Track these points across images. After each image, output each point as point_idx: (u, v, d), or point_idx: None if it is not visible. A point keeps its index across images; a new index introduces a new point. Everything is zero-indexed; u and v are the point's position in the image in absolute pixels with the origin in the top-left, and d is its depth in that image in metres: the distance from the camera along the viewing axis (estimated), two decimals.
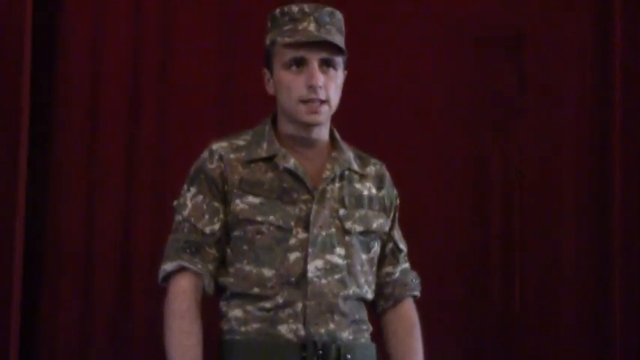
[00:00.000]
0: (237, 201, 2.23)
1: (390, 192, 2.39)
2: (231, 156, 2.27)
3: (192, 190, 2.28)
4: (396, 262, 2.38)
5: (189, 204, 2.27)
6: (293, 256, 2.20)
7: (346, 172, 2.30)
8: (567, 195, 3.66)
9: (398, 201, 2.42)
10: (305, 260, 2.19)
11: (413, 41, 3.68)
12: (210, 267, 2.24)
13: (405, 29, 3.68)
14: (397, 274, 2.38)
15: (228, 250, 2.25)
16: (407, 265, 2.42)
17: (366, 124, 3.55)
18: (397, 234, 2.41)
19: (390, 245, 2.38)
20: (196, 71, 3.60)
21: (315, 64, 2.24)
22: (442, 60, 3.69)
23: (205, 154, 2.30)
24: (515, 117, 3.68)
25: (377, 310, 2.38)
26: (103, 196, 3.54)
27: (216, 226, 2.24)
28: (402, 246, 2.41)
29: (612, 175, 3.62)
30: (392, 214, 2.39)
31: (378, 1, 3.70)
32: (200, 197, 2.26)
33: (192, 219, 2.25)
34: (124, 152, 3.58)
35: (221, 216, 2.25)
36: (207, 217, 2.25)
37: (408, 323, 2.37)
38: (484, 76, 3.69)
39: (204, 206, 2.25)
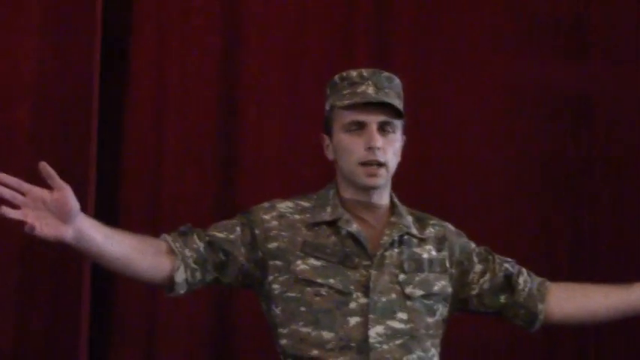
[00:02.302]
0: (299, 262, 2.26)
1: (454, 248, 2.38)
2: (296, 217, 2.32)
3: (234, 218, 2.34)
4: (513, 286, 2.40)
5: (220, 223, 2.33)
6: (353, 320, 2.21)
7: (405, 237, 2.32)
8: None
9: (472, 245, 2.43)
10: (366, 326, 2.20)
11: (482, 109, 3.72)
12: (188, 253, 2.24)
13: (474, 97, 3.73)
14: (523, 296, 2.40)
15: (279, 311, 2.27)
16: (523, 276, 2.42)
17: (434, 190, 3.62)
18: (498, 261, 2.42)
19: (501, 276, 2.40)
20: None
21: (373, 127, 2.28)
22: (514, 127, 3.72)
23: (266, 204, 2.35)
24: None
25: (546, 321, 2.41)
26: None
27: (221, 235, 2.28)
28: (508, 266, 2.42)
29: None
30: (474, 259, 2.40)
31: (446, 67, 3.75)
32: (231, 222, 2.33)
33: (211, 228, 2.31)
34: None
35: (231, 236, 2.28)
36: (220, 229, 2.30)
37: (564, 292, 2.41)
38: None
39: (228, 226, 2.31)
